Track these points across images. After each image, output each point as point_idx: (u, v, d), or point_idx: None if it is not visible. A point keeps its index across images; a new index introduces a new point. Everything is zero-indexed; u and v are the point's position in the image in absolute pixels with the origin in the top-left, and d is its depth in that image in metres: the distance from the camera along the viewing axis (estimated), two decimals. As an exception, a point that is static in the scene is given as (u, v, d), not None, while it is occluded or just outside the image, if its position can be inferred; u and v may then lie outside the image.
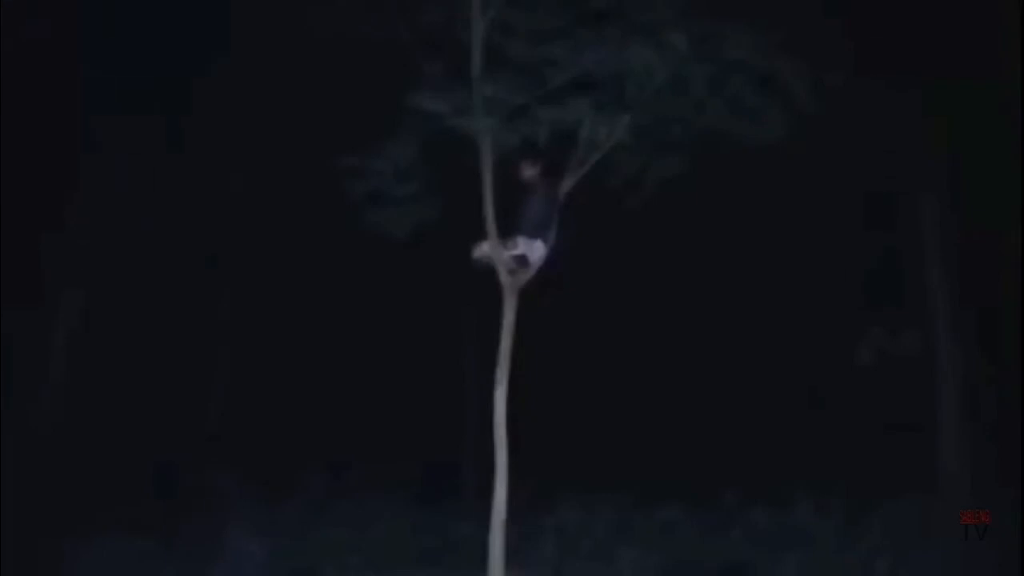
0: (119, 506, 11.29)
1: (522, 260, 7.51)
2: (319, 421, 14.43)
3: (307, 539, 10.53)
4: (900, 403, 11.75)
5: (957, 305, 10.95)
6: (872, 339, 12.18)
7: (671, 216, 10.90)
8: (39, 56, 11.08)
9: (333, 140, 8.07)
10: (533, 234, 7.52)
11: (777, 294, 13.19)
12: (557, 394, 13.72)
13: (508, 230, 7.55)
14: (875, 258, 12.26)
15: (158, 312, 13.40)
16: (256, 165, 12.55)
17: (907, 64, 10.71)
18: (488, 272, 7.60)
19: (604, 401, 14.27)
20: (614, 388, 14.23)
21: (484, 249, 7.54)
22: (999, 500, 9.70)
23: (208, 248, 13.24)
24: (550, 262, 7.70)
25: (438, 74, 7.46)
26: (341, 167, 7.59)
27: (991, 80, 10.24)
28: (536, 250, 7.53)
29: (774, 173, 11.01)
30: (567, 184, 7.76)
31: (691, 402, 13.86)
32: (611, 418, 14.23)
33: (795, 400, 13.12)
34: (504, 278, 7.54)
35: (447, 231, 8.23)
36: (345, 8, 8.21)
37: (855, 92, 9.78)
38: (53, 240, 11.94)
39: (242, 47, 11.66)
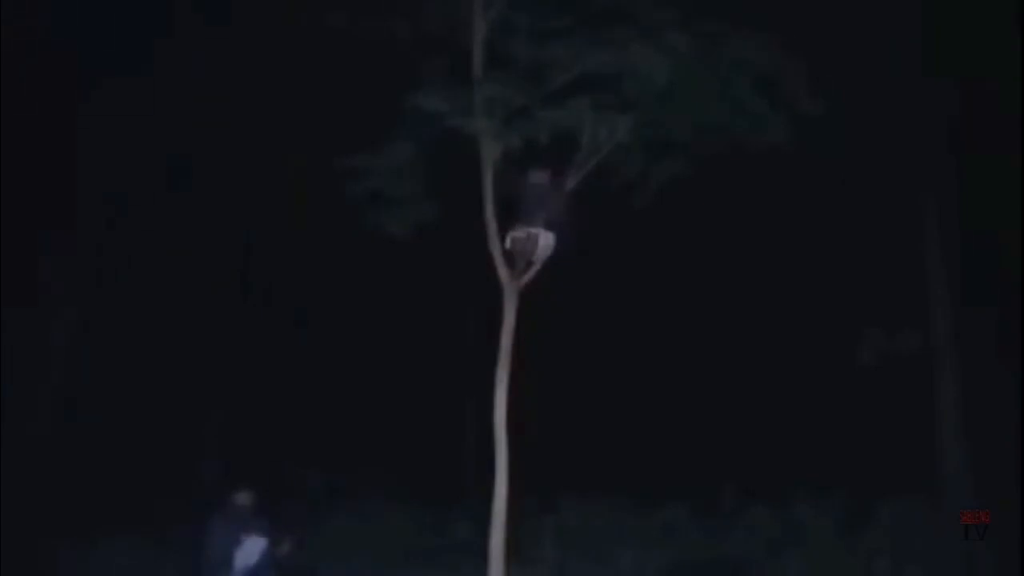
0: (118, 507, 11.28)
1: (533, 242, 7.55)
2: (319, 421, 14.42)
3: (307, 539, 10.51)
4: (900, 403, 11.73)
5: (957, 305, 10.95)
6: (872, 339, 12.15)
7: (672, 216, 10.90)
8: (39, 56, 11.07)
9: (333, 140, 8.07)
10: (548, 228, 7.59)
11: (777, 294, 13.18)
12: (557, 394, 13.70)
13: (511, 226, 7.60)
14: (875, 258, 12.24)
15: (157, 311, 13.38)
16: (257, 165, 12.53)
17: (907, 65, 10.71)
18: (489, 271, 7.60)
19: (605, 401, 14.25)
20: (615, 388, 14.20)
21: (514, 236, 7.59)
22: (999, 500, 9.69)
23: (208, 247, 13.23)
24: (550, 261, 7.71)
25: (439, 74, 7.46)
26: (341, 167, 7.59)
27: (991, 80, 10.24)
28: (549, 240, 7.60)
29: (774, 173, 11.00)
30: (569, 183, 7.77)
31: (692, 402, 13.85)
32: (612, 418, 14.21)
33: (795, 400, 13.11)
34: (505, 277, 7.54)
35: (447, 231, 8.23)
36: (345, 8, 8.21)
37: (855, 94, 9.77)
38: (53, 240, 11.91)
39: (243, 47, 11.64)
